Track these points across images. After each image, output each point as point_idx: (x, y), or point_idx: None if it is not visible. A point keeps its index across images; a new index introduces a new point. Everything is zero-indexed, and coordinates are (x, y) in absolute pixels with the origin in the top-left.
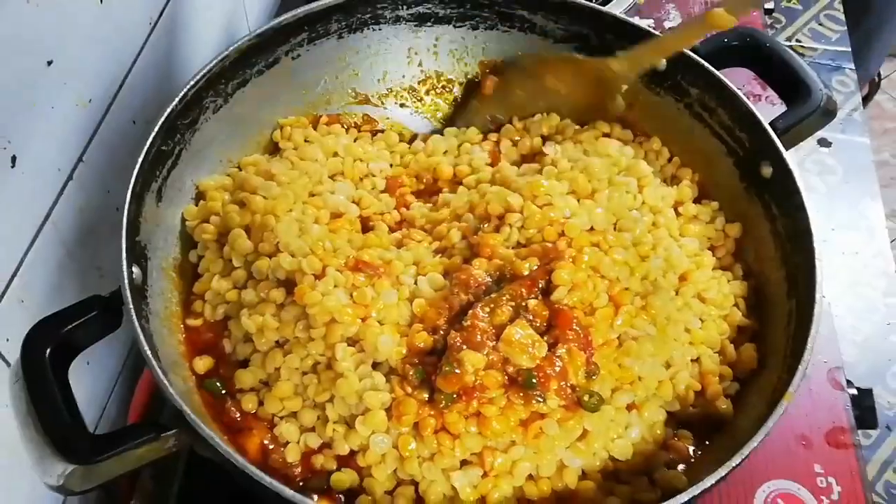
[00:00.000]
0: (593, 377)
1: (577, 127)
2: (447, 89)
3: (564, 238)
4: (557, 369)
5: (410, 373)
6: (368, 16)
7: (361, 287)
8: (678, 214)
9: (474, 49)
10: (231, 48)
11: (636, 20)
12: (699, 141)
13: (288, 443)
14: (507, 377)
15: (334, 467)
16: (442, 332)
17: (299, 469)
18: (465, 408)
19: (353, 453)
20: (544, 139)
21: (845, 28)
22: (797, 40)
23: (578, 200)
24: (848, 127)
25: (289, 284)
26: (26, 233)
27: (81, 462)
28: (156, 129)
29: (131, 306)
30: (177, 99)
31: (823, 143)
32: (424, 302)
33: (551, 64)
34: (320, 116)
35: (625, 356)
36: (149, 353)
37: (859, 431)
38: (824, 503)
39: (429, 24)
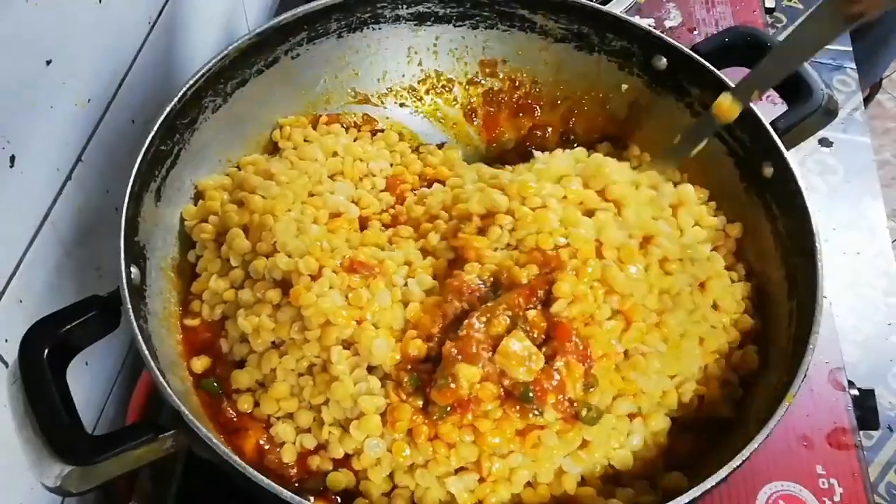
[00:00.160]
0: (591, 389)
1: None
2: (447, 89)
3: (568, 248)
4: (555, 383)
5: (405, 380)
6: (368, 15)
7: (357, 289)
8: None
9: (474, 48)
10: (230, 47)
11: (636, 19)
12: None
13: (284, 443)
14: (503, 389)
15: (330, 468)
16: (436, 340)
17: (295, 470)
18: (459, 420)
19: (348, 456)
20: None
21: None
22: None
23: (591, 213)
24: (849, 126)
25: (285, 285)
26: (25, 233)
27: (79, 463)
28: (155, 128)
29: (129, 306)
30: (176, 98)
31: (825, 142)
32: (418, 307)
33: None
34: (320, 116)
35: (630, 370)
36: (147, 353)
37: (861, 432)
38: None
39: (428, 23)
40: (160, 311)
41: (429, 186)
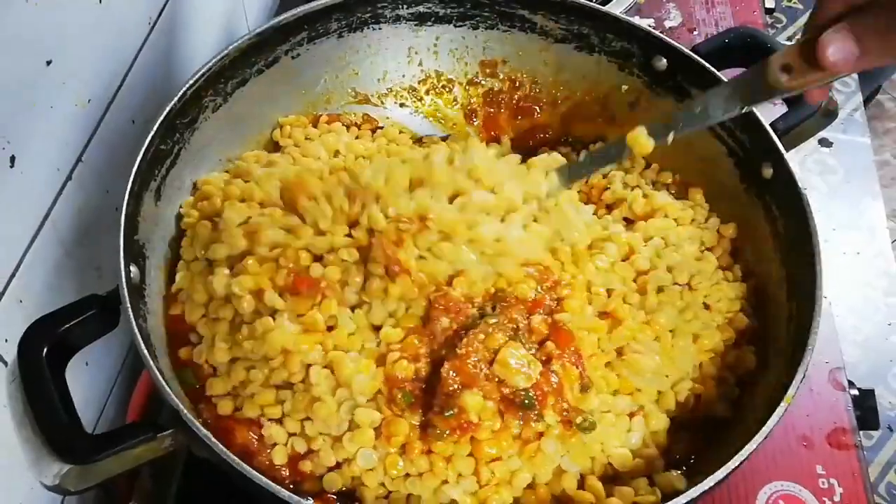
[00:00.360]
0: (587, 391)
1: None
2: (447, 89)
3: (559, 262)
4: (554, 385)
5: (398, 396)
6: (368, 15)
7: (308, 315)
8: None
9: (474, 49)
10: (231, 47)
11: (636, 20)
12: (699, 142)
13: (276, 444)
14: (502, 398)
15: (324, 472)
16: (424, 360)
17: (287, 472)
18: (458, 438)
19: (340, 463)
20: None
21: None
22: (798, 40)
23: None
24: (849, 127)
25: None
26: (25, 233)
27: (78, 462)
28: (155, 128)
29: (129, 305)
30: (176, 98)
31: (824, 142)
32: (400, 331)
33: None
34: (320, 115)
35: (625, 368)
36: (146, 352)
37: (861, 432)
38: None
39: (429, 23)
40: (160, 311)
41: None
